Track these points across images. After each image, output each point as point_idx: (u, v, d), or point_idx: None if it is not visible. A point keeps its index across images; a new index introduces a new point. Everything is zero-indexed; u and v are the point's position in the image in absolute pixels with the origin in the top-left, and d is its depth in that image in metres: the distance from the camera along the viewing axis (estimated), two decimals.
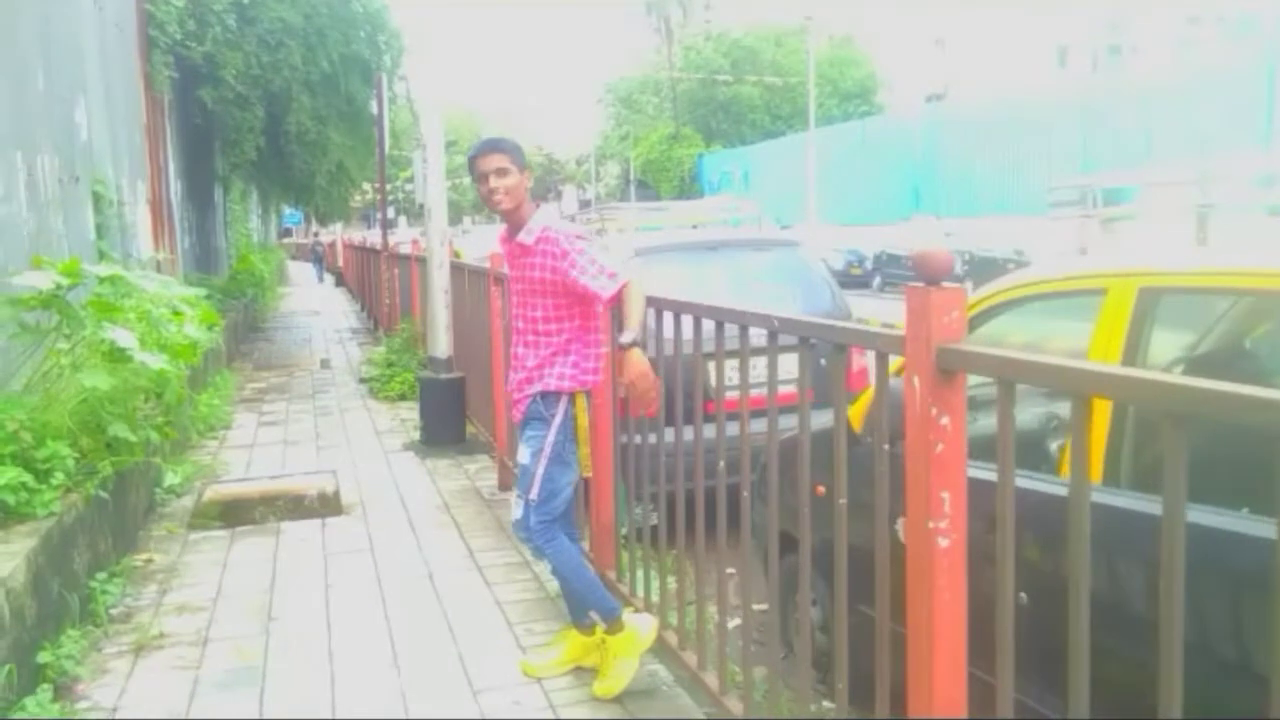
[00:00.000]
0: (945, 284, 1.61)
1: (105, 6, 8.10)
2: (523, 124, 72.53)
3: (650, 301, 3.09)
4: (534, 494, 3.14)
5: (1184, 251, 2.90)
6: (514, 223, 3.24)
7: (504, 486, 5.66)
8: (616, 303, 3.10)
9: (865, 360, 5.76)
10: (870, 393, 3.23)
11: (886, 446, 1.89)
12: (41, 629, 3.17)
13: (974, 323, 2.75)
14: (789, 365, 2.56)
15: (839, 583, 2.08)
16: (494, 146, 3.21)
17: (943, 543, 1.56)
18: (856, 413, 3.33)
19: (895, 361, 3.21)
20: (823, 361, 5.44)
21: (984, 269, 22.56)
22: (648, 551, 3.46)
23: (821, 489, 3.23)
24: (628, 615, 3.18)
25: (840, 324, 2.04)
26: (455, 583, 4.15)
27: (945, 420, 1.56)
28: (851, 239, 27.97)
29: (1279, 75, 24.18)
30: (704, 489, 2.93)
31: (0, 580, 2.82)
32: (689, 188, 49.86)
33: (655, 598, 3.31)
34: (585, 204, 59.28)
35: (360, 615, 3.82)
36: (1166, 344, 2.16)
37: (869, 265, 26.15)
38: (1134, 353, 2.08)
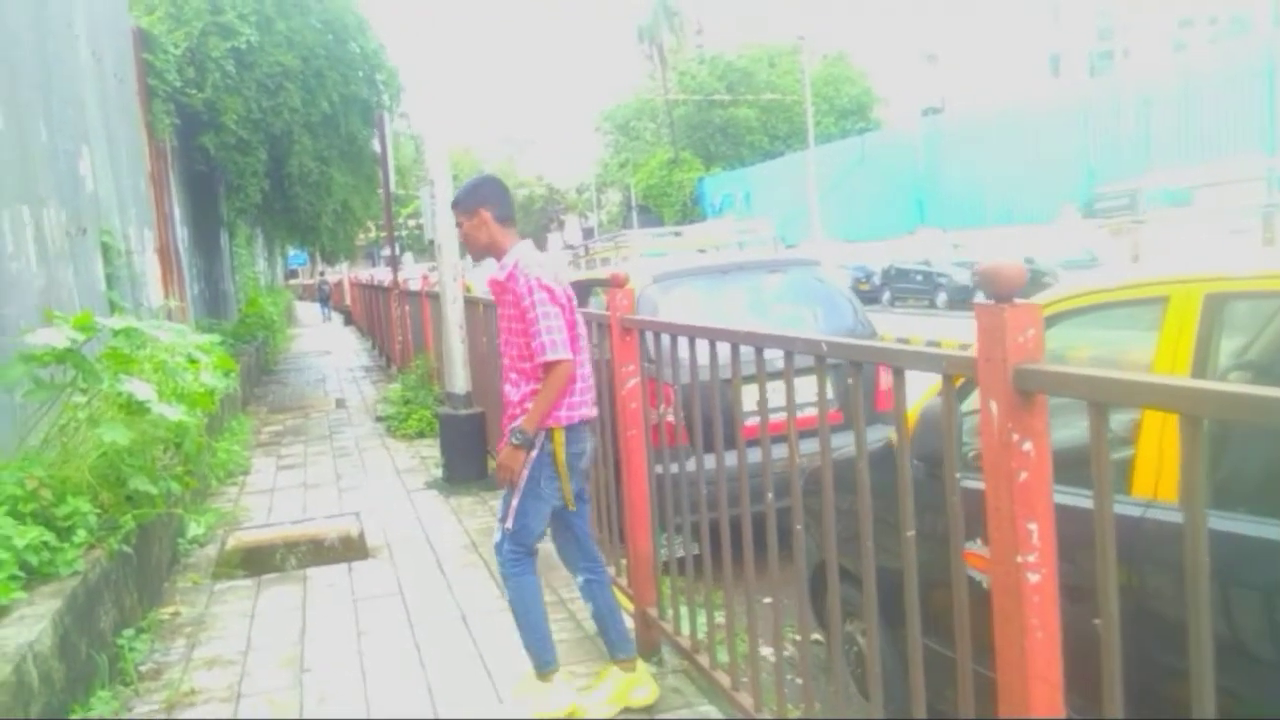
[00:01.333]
0: (1018, 300, 1.52)
1: (103, 58, 8.11)
2: (522, 156, 73.00)
3: (685, 329, 3.03)
4: (509, 524, 3.17)
5: (1251, 254, 2.81)
6: (496, 259, 3.25)
7: None
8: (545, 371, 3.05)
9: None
10: (914, 410, 3.15)
11: (955, 475, 1.80)
12: (71, 691, 3.08)
13: None
14: (802, 388, 2.52)
15: (910, 616, 1.97)
16: (450, 205, 3.35)
17: (1033, 578, 1.46)
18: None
19: (933, 386, 3.15)
20: (850, 381, 5.39)
21: None
22: (690, 584, 3.36)
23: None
24: (547, 679, 3.21)
25: (898, 347, 1.95)
26: (489, 625, 4.04)
27: (1028, 446, 1.47)
28: (858, 255, 27.94)
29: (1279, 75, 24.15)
30: (744, 516, 2.86)
31: (28, 645, 2.73)
32: (691, 211, 49.97)
33: (701, 634, 3.20)
34: (588, 232, 59.49)
35: (395, 662, 3.72)
36: (1238, 353, 2.07)
37: (877, 280, 26.08)
38: (1204, 363, 1.99)
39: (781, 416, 2.76)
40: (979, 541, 2.81)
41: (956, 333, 14.73)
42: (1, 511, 3.36)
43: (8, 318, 4.89)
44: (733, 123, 52.96)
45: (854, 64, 53.50)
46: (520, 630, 3.26)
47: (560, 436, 3.13)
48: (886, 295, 25.49)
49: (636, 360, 3.54)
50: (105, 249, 7.24)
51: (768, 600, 4.42)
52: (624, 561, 4.02)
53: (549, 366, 3.01)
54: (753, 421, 3.06)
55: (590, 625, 3.95)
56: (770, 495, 2.64)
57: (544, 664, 3.22)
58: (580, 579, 3.38)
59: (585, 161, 64.50)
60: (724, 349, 2.83)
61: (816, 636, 4.17)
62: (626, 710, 3.21)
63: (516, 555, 3.19)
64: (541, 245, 66.71)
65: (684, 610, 3.36)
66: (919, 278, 25.46)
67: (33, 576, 3.27)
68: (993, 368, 1.49)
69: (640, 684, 3.26)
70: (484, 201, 3.22)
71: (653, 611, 3.53)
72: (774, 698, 2.67)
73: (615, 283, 3.54)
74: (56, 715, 2.91)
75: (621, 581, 3.92)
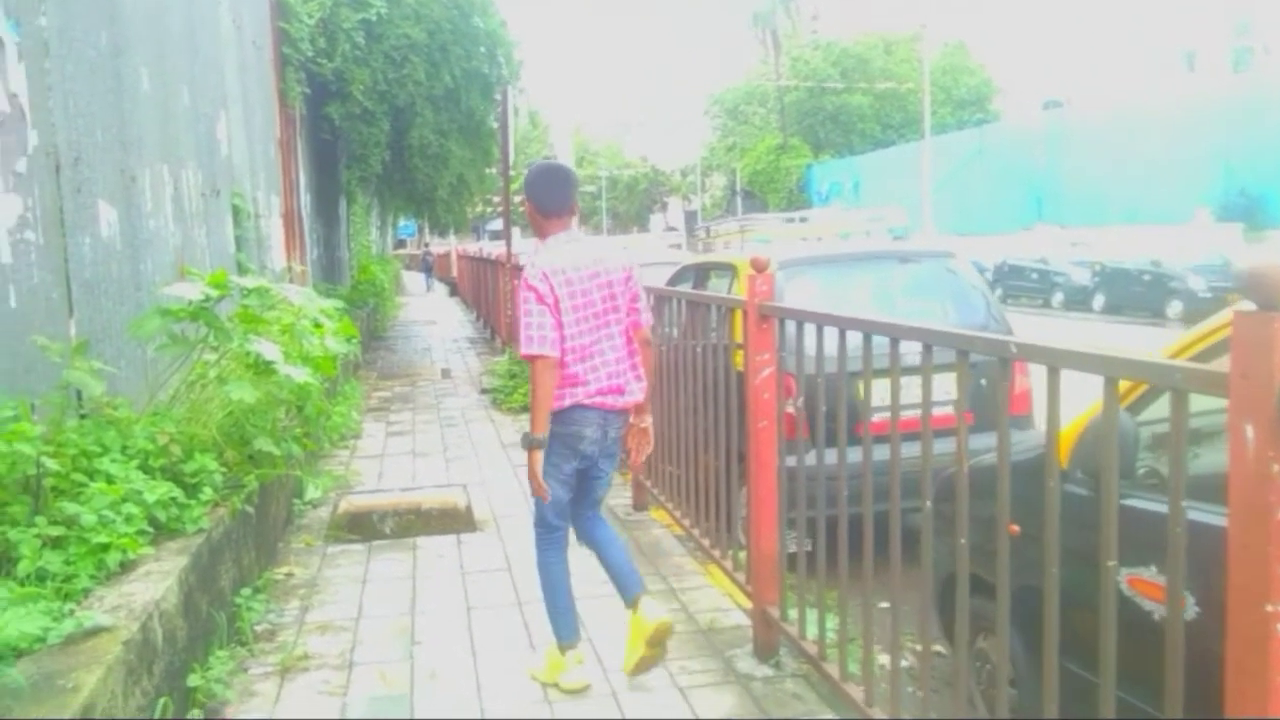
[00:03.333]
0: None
1: (244, 26, 8.29)
2: (629, 137, 73.05)
3: (834, 320, 2.87)
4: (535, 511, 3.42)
5: None
6: None
7: (639, 506, 5.46)
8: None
9: (1028, 382, 5.37)
10: (1082, 423, 2.91)
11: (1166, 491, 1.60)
12: (191, 650, 3.10)
13: (1203, 360, 2.39)
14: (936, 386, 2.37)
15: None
16: None
17: None
18: (1063, 444, 2.99)
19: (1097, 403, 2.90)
20: (983, 382, 5.11)
21: (1117, 280, 21.47)
22: (809, 583, 3.20)
23: (1016, 528, 2.93)
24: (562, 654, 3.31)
25: (1118, 355, 1.74)
26: (598, 610, 3.94)
27: None
28: (971, 250, 26.99)
29: None
30: (869, 516, 2.71)
31: (154, 603, 2.74)
32: (797, 198, 49.22)
33: (829, 637, 3.04)
34: (691, 215, 59.17)
35: (505, 643, 3.66)
36: None
37: (990, 276, 25.15)
38: None
39: (910, 415, 2.61)
40: (1153, 569, 2.58)
41: (1073, 335, 14.06)
42: (133, 465, 3.40)
43: (144, 274, 5.00)
44: (844, 110, 51.86)
45: (974, 54, 51.74)
46: (545, 603, 3.40)
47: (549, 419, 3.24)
48: (999, 293, 24.55)
49: (773, 349, 3.37)
50: (236, 211, 7.41)
51: (884, 605, 4.24)
52: (740, 555, 3.88)
53: (529, 361, 3.17)
54: (881, 418, 2.91)
55: (704, 619, 3.82)
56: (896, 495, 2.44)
57: (560, 637, 3.34)
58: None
59: (691, 144, 64.10)
60: (856, 339, 2.70)
61: (938, 648, 3.97)
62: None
63: (540, 536, 3.39)
64: (644, 227, 66.74)
65: (810, 614, 3.20)
66: (1034, 276, 24.50)
67: (160, 532, 3.30)
68: (1252, 386, 1.28)
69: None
70: (528, 192, 3.38)
71: (773, 611, 3.37)
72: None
73: (755, 267, 3.37)
74: (178, 674, 2.92)
75: (739, 577, 3.77)
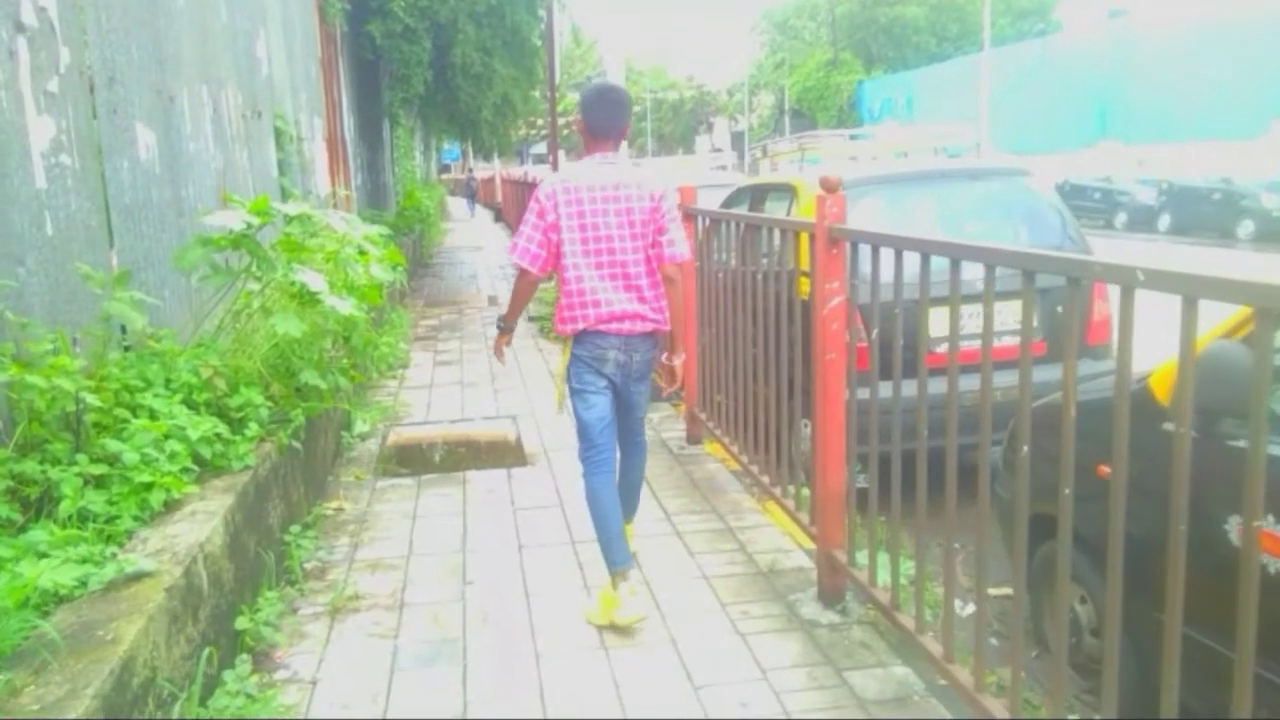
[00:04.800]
0: None
1: None
2: (674, 56, 71.35)
3: (917, 244, 2.63)
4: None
5: None
6: None
7: (693, 439, 5.30)
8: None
9: (1108, 308, 5.06)
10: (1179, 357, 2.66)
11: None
12: (239, 591, 3.02)
13: None
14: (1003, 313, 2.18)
15: (1162, 599, 1.57)
16: None
17: None
18: (1161, 379, 2.75)
19: (1229, 319, 2.64)
20: (1059, 309, 4.81)
21: (1185, 199, 20.59)
22: (880, 525, 3.02)
23: (1106, 469, 2.71)
24: (614, 587, 3.20)
25: (1268, 281, 1.50)
26: (655, 551, 3.82)
27: None
28: (1031, 168, 26.05)
29: None
30: (928, 451, 2.55)
31: (198, 546, 2.64)
32: (848, 117, 47.83)
33: (900, 580, 2.86)
34: (737, 136, 57.95)
35: (558, 584, 3.54)
36: None
37: None
38: None
39: (994, 344, 2.40)
40: (1271, 519, 2.35)
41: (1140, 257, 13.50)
42: (176, 400, 3.30)
43: (186, 199, 4.86)
44: (898, 22, 49.96)
45: None
46: (595, 530, 3.35)
47: (567, 344, 3.38)
48: None
49: (842, 276, 3.14)
50: (278, 134, 7.23)
51: (957, 547, 4.06)
52: (803, 493, 3.70)
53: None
54: (969, 346, 2.72)
55: (763, 561, 3.68)
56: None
57: (613, 564, 3.25)
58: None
59: (739, 62, 62.43)
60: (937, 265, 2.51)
61: (1006, 591, 3.79)
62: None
63: (586, 457, 3.39)
64: (689, 148, 65.53)
65: (881, 558, 3.02)
66: (1097, 195, 23.62)
67: (205, 469, 3.20)
68: None
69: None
70: (581, 110, 3.40)
71: (840, 555, 3.20)
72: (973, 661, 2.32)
73: (826, 187, 3.12)
74: (225, 617, 2.84)
75: (802, 517, 3.60)
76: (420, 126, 21.40)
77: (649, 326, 3.32)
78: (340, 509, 4.42)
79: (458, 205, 38.81)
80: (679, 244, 3.36)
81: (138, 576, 2.42)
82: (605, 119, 3.33)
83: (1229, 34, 27.59)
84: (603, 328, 3.26)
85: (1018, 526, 2.25)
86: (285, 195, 7.07)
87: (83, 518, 2.70)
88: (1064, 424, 2.00)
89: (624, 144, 3.64)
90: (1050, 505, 2.34)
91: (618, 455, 3.48)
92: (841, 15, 50.76)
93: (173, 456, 2.99)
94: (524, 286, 3.43)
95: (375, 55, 12.36)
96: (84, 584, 2.36)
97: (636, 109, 62.92)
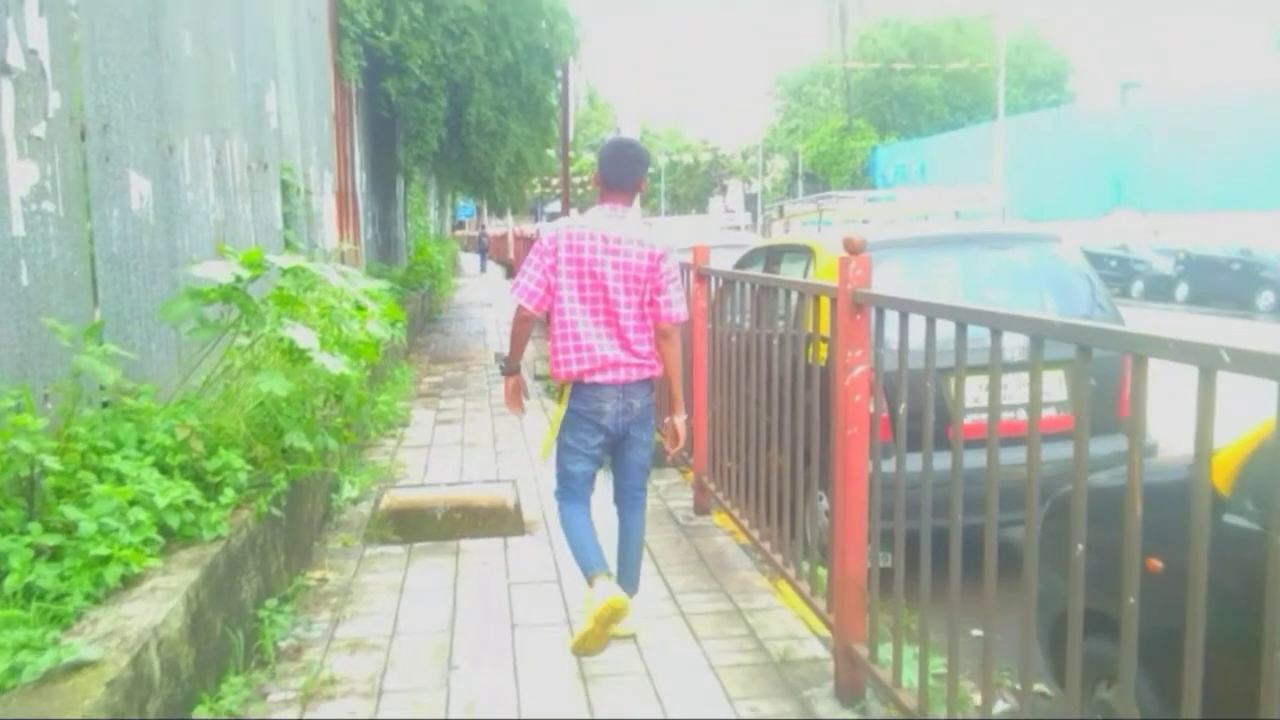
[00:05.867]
0: None
1: None
2: (689, 119, 72.29)
3: (955, 313, 2.41)
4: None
5: None
6: None
7: (701, 509, 5.04)
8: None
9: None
10: (1251, 441, 2.41)
11: None
12: (200, 678, 2.75)
13: None
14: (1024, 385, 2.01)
15: None
16: None
17: None
18: (1222, 466, 2.50)
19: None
20: (1092, 381, 4.56)
21: (1203, 269, 20.38)
22: (905, 615, 2.75)
23: (1156, 563, 2.46)
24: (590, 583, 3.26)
25: None
26: (658, 635, 3.53)
27: None
28: (1060, 234, 25.86)
29: None
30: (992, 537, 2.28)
31: (152, 630, 2.39)
32: (861, 181, 48.04)
33: (928, 680, 2.58)
34: (750, 199, 58.33)
35: (552, 672, 3.26)
36: None
37: None
38: None
39: (1008, 418, 2.21)
40: None
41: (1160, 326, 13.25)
42: (148, 463, 3.07)
43: (181, 250, 4.70)
44: (912, 91, 50.45)
45: (1046, 33, 49.91)
46: (570, 550, 3.46)
47: (565, 391, 3.41)
48: None
49: (866, 344, 2.91)
50: (285, 186, 7.12)
51: (976, 633, 3.76)
52: (820, 573, 3.43)
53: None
54: (976, 420, 2.49)
55: (775, 650, 3.39)
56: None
57: (588, 570, 3.34)
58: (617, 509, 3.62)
59: (753, 126, 63.08)
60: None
61: (1041, 689, 3.49)
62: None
63: (559, 492, 3.53)
64: (702, 209, 65.93)
65: (907, 651, 2.74)
66: (1113, 263, 23.41)
67: (173, 540, 2.96)
68: None
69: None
70: (600, 165, 3.47)
71: (860, 649, 2.92)
72: None
73: (850, 249, 2.91)
74: (181, 706, 2.57)
75: (818, 603, 3.32)
76: (434, 183, 21.47)
77: (644, 373, 3.39)
78: (324, 579, 4.16)
79: (471, 261, 38.97)
80: (676, 304, 3.45)
81: (78, 667, 2.17)
82: (619, 172, 3.44)
83: (1243, 106, 27.64)
84: (598, 378, 3.33)
85: (1071, 638, 1.98)
86: (289, 248, 6.93)
87: (30, 594, 2.47)
88: (1128, 522, 1.75)
89: (636, 200, 3.69)
90: (1095, 599, 2.10)
91: (616, 521, 3.59)
92: (856, 83, 51.31)
93: (136, 526, 2.76)
94: (520, 325, 3.50)
95: (391, 112, 12.37)
96: (17, 674, 2.12)
97: (651, 170, 63.55)
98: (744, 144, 66.26)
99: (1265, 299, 18.19)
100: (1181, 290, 20.74)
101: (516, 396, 3.70)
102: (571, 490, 3.49)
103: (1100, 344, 1.89)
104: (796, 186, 51.98)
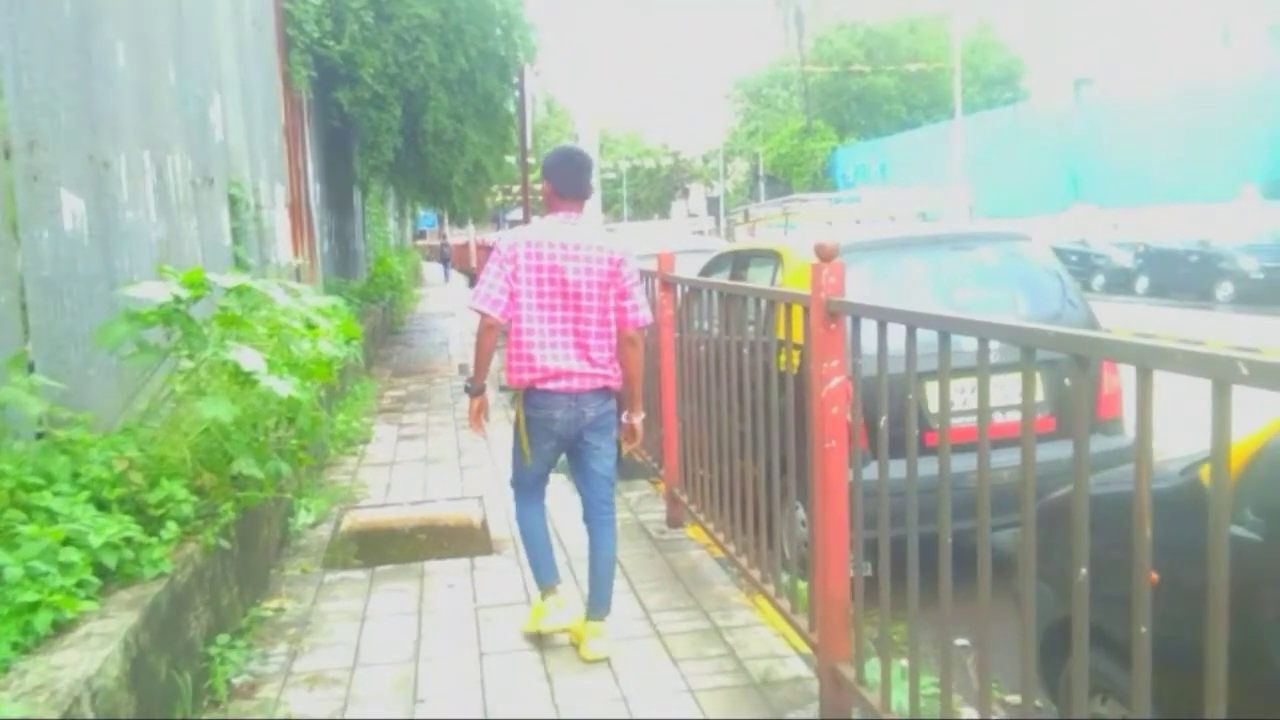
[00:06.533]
0: None
1: (242, 3, 7.75)
2: (649, 124, 72.33)
3: (939, 322, 2.29)
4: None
5: None
6: None
7: (673, 522, 4.89)
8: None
9: (1118, 380, 4.75)
10: (1250, 447, 2.31)
11: None
12: None
13: None
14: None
15: None
16: None
17: None
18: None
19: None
20: (1066, 381, 4.49)
21: (1162, 262, 20.59)
22: (893, 630, 2.62)
23: (1156, 576, 2.36)
24: (543, 599, 3.51)
25: None
26: (632, 658, 3.39)
27: None
28: (1029, 232, 26.01)
29: None
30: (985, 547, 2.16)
31: (85, 682, 2.20)
32: (822, 182, 48.25)
33: (919, 701, 2.45)
34: (713, 202, 58.41)
35: (523, 703, 3.10)
36: None
37: None
38: None
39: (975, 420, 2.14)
40: None
41: (1123, 321, 13.34)
42: (82, 499, 2.87)
43: (120, 271, 4.47)
44: (870, 91, 50.79)
45: (999, 32, 50.51)
46: (525, 552, 3.66)
47: (519, 398, 3.43)
48: None
49: (842, 354, 2.79)
50: (233, 201, 6.88)
51: (961, 643, 3.65)
52: (800, 587, 3.30)
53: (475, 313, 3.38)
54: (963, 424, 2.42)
55: (756, 670, 3.25)
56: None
57: (540, 577, 3.56)
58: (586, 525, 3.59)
59: (713, 130, 63.15)
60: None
61: (1036, 704, 3.39)
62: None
63: (516, 494, 3.65)
64: (665, 214, 65.91)
65: (896, 672, 2.62)
66: (1074, 258, 23.56)
67: (111, 579, 2.77)
68: None
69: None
70: (546, 174, 3.46)
71: (846, 670, 2.79)
72: None
73: (821, 255, 2.79)
74: None
75: (799, 621, 3.19)
76: (393, 193, 21.18)
77: (598, 383, 3.38)
78: (281, 609, 3.96)
79: (434, 271, 38.63)
80: (642, 308, 3.47)
81: None
82: (568, 179, 3.44)
83: (1196, 100, 28.05)
84: (551, 385, 3.33)
85: (1076, 666, 1.86)
86: (239, 265, 6.70)
87: None
88: (1137, 549, 1.63)
89: (588, 207, 3.67)
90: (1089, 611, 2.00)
91: (586, 538, 3.57)
92: (814, 84, 51.56)
93: (68, 568, 2.57)
94: (486, 336, 3.40)
95: (344, 122, 12.12)
96: None
97: (612, 176, 63.49)
98: (705, 147, 66.34)
99: (1224, 289, 18.40)
100: (1141, 283, 20.94)
101: (480, 417, 3.62)
102: (526, 487, 3.60)
103: (1101, 355, 1.77)
104: (758, 189, 52.10)
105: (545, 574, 3.56)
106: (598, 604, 3.45)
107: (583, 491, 3.57)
